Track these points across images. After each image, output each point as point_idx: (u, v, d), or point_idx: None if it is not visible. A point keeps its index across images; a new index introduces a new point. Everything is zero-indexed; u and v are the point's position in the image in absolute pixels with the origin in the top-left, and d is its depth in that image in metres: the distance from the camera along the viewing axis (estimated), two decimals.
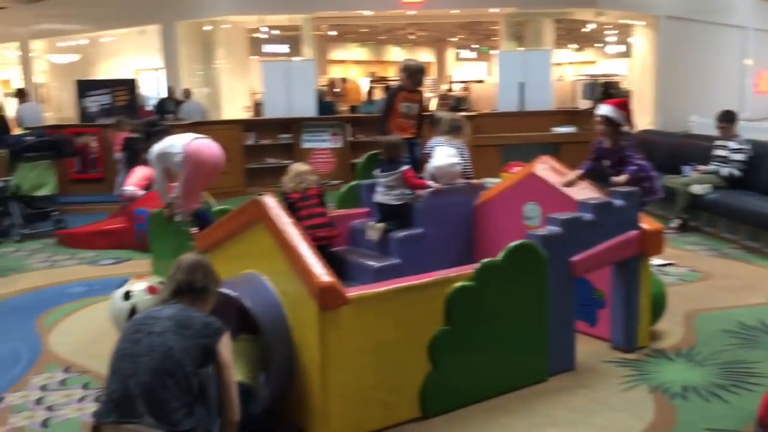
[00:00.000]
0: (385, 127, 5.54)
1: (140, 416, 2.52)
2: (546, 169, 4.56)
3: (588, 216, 3.89)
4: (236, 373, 2.96)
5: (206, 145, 4.90)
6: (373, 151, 5.46)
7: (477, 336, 3.54)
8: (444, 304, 3.42)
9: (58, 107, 18.46)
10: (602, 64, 27.82)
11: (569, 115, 11.16)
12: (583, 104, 12.20)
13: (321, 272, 3.10)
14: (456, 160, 4.89)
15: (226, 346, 2.80)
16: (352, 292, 3.22)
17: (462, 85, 21.69)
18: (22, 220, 7.82)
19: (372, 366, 3.28)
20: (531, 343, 3.72)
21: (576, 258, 3.79)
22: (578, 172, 4.57)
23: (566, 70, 25.86)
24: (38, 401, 3.76)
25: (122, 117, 10.16)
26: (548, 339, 3.76)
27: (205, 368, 2.71)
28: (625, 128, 5.16)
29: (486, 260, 3.55)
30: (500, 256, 3.57)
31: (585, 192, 4.25)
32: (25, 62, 18.59)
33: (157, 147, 4.89)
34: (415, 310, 3.37)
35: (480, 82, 21.55)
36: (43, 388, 3.92)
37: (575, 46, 26.51)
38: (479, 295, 3.49)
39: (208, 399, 2.71)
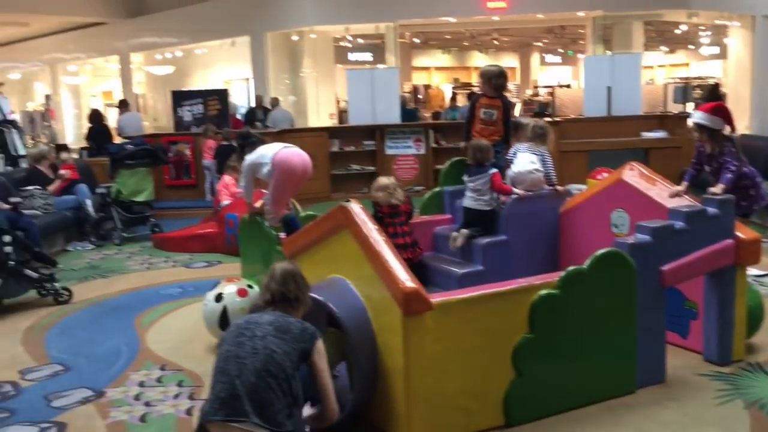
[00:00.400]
0: (469, 135, 5.49)
1: (247, 415, 2.63)
2: (635, 175, 4.45)
3: (679, 224, 3.78)
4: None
5: (294, 153, 5.01)
6: (457, 158, 5.45)
7: (562, 345, 3.49)
8: (528, 312, 3.40)
9: (154, 116, 19.35)
10: (695, 66, 26.78)
11: (659, 120, 10.83)
12: (675, 108, 11.80)
13: (405, 278, 3.14)
14: (536, 166, 4.83)
15: (320, 351, 2.91)
16: (436, 297, 3.24)
17: (547, 90, 21.37)
18: (121, 224, 8.23)
19: (455, 372, 3.29)
20: (619, 353, 3.65)
21: (667, 267, 3.69)
22: (684, 183, 4.44)
23: (656, 73, 25.06)
24: (137, 397, 3.95)
25: (209, 125, 10.56)
26: (637, 350, 3.67)
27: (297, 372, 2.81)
28: (726, 132, 4.96)
29: (572, 268, 3.51)
30: (586, 264, 3.51)
31: (677, 199, 4.12)
32: (125, 74, 19.56)
33: (250, 158, 5.05)
34: (499, 317, 3.36)
35: (566, 86, 21.18)
36: (141, 384, 4.12)
37: (666, 48, 25.63)
38: (564, 303, 3.45)
39: (300, 402, 2.80)
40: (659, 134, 10.31)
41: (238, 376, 2.69)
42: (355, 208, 3.50)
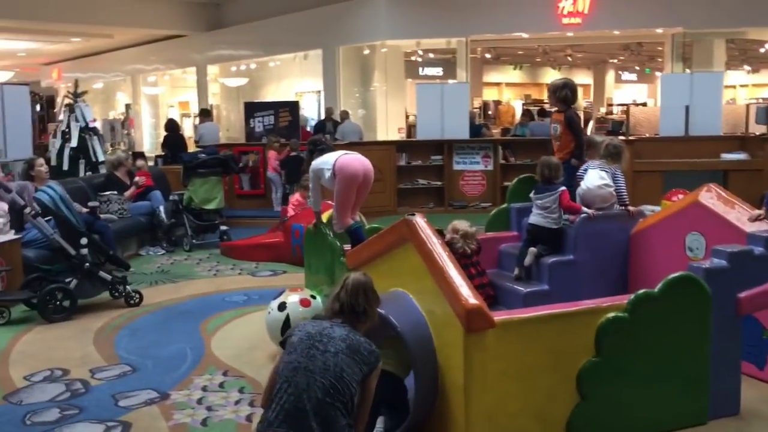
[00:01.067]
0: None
1: (311, 430, 2.63)
2: (712, 197, 4.28)
3: (759, 250, 3.61)
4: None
5: (354, 159, 5.02)
6: (525, 175, 5.37)
7: (630, 370, 3.37)
8: (595, 335, 3.29)
9: (227, 127, 19.84)
10: None
11: (740, 141, 10.40)
12: (757, 129, 11.33)
13: (468, 294, 3.09)
14: (606, 181, 4.70)
15: (377, 375, 2.90)
16: (499, 315, 3.18)
17: (621, 108, 20.88)
18: (192, 231, 8.44)
19: (517, 392, 3.22)
20: (690, 382, 3.49)
21: (744, 295, 3.52)
22: (765, 207, 4.23)
23: (738, 93, 24.16)
24: (199, 401, 4.02)
25: (271, 136, 10.70)
26: (710, 379, 3.51)
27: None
28: None
29: (642, 291, 3.39)
30: (658, 287, 3.39)
31: (756, 223, 3.94)
32: (201, 85, 20.16)
33: (314, 163, 5.14)
34: (564, 339, 3.27)
35: (642, 105, 20.66)
36: (204, 388, 4.19)
37: (749, 67, 24.71)
38: (633, 327, 3.33)
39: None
40: (739, 156, 9.90)
41: (306, 390, 2.68)
42: (420, 221, 3.47)
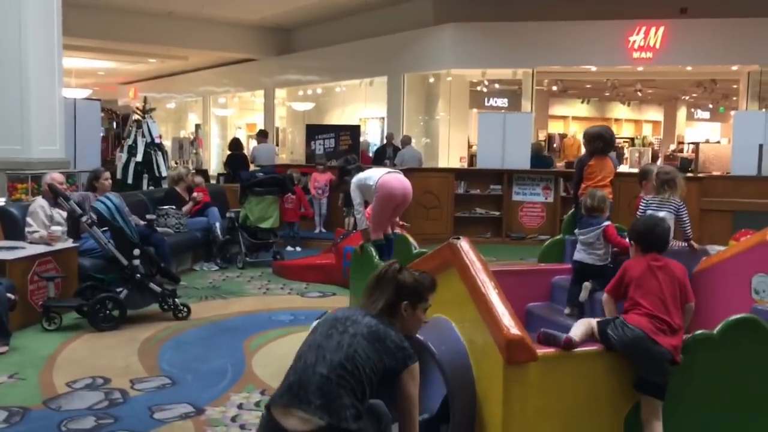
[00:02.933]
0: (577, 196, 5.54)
1: (309, 404, 2.57)
2: None
3: None
4: None
5: (395, 179, 5.24)
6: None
7: (685, 417, 3.14)
8: None
9: (291, 149, 20.14)
10: None
11: None
12: None
13: (510, 324, 2.95)
14: (664, 215, 4.48)
15: (413, 378, 2.78)
16: (542, 348, 3.02)
17: (692, 146, 20.26)
18: (246, 248, 8.50)
19: (558, 431, 3.04)
20: None
21: None
22: None
23: None
24: (233, 418, 3.96)
25: (320, 158, 10.71)
26: None
27: (379, 392, 2.71)
28: None
29: (699, 332, 3.17)
30: (717, 329, 3.17)
31: None
32: (269, 108, 20.57)
33: (356, 178, 5.31)
34: (613, 378, 3.08)
35: (716, 143, 20.01)
36: (240, 406, 4.13)
37: None
38: (688, 370, 3.11)
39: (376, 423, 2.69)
40: None
41: (313, 365, 2.64)
42: (464, 245, 3.35)
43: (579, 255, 4.52)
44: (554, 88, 19.31)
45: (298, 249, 9.58)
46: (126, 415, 3.97)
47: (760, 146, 10.10)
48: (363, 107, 18.72)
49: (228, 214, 8.68)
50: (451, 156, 15.78)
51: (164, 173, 9.82)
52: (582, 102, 23.91)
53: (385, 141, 13.95)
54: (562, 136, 22.28)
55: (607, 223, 4.43)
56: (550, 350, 3.06)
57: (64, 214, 6.24)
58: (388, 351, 2.72)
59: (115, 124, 19.78)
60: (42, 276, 5.75)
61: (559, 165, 15.32)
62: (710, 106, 24.75)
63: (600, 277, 4.39)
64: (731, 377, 3.19)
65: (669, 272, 3.32)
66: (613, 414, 3.08)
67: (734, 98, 17.94)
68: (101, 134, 11.94)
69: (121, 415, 3.97)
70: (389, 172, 5.29)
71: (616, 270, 4.36)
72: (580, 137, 22.13)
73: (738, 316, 3.20)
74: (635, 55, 13.69)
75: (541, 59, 14.25)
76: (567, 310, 4.50)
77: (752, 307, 3.38)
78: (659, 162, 17.94)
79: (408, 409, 2.79)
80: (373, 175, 5.25)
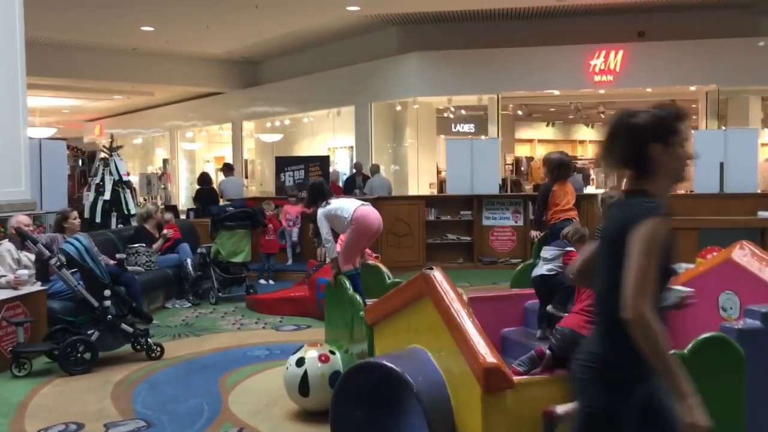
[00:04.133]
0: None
1: None
2: (746, 255, 4.11)
3: None
4: None
5: (372, 211, 5.29)
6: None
7: None
8: None
9: (260, 181, 20.09)
10: None
11: None
12: None
13: (486, 352, 2.97)
14: None
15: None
16: (520, 376, 3.05)
17: None
18: (218, 284, 8.43)
19: None
20: None
21: None
22: None
23: None
24: None
25: (291, 190, 10.66)
26: None
27: None
28: None
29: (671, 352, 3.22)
30: (687, 348, 3.23)
31: None
32: (237, 141, 20.54)
33: (325, 209, 5.28)
34: None
35: None
36: None
37: None
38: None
39: None
40: None
41: None
42: (438, 275, 3.38)
43: (536, 271, 4.62)
44: (519, 112, 19.61)
45: (272, 282, 9.53)
46: None
47: (721, 164, 10.36)
48: (331, 137, 18.80)
49: (199, 250, 8.62)
50: (420, 182, 15.89)
51: (133, 210, 9.73)
52: (547, 125, 24.30)
53: (354, 170, 14.01)
54: (529, 159, 22.57)
55: (572, 249, 4.51)
56: (527, 377, 3.09)
57: (32, 256, 6.15)
58: None
59: (80, 161, 19.58)
60: (10, 321, 5.65)
61: (528, 188, 15.53)
62: None
63: (551, 290, 4.43)
64: (702, 394, 3.23)
65: None
66: None
67: (694, 117, 18.38)
68: (67, 173, 11.76)
69: None
70: (363, 204, 5.30)
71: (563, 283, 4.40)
72: None
73: (707, 334, 3.27)
74: (596, 78, 13.99)
75: (505, 85, 14.49)
76: (539, 333, 4.55)
77: (720, 325, 3.45)
78: (624, 183, 18.22)
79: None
80: (346, 206, 5.25)
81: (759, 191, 10.61)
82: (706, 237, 8.69)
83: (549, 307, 4.44)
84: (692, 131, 14.78)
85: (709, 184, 10.38)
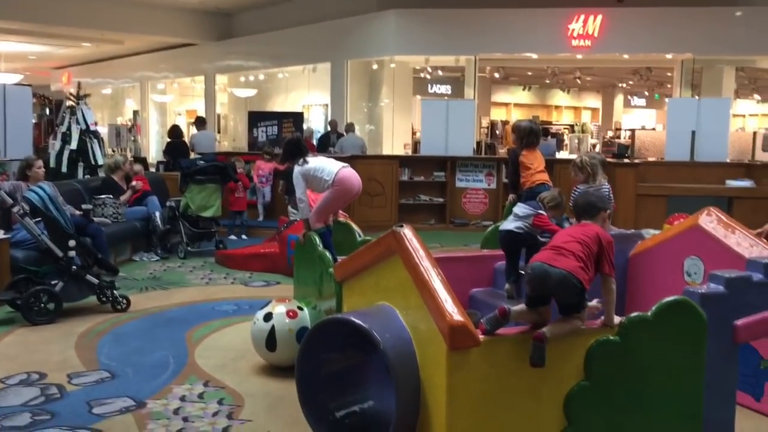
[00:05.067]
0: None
1: None
2: (712, 221, 4.15)
3: (758, 276, 3.47)
4: None
5: (354, 174, 5.18)
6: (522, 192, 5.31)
7: (620, 396, 3.23)
8: (585, 358, 3.16)
9: (233, 136, 19.83)
10: None
11: (746, 169, 10.31)
12: (764, 157, 11.22)
13: (453, 310, 2.97)
14: None
15: None
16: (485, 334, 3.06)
17: (629, 132, 20.82)
18: (187, 238, 8.34)
19: (502, 414, 3.08)
20: (683, 411, 3.35)
21: (741, 322, 3.38)
22: None
23: (748, 122, 24.07)
24: (176, 411, 3.89)
25: (266, 146, 10.55)
26: (704, 409, 3.37)
27: None
28: None
29: (634, 314, 3.26)
30: (651, 311, 3.26)
31: (756, 249, 3.81)
32: (210, 94, 20.18)
33: (303, 168, 5.12)
34: (552, 361, 3.14)
35: (651, 129, 20.58)
36: (183, 398, 4.07)
37: (759, 97, 24.63)
38: (624, 351, 3.19)
39: None
40: (745, 183, 9.81)
41: None
42: (408, 233, 3.36)
43: (506, 225, 4.56)
44: (496, 75, 19.53)
45: (245, 237, 9.47)
46: (63, 410, 3.86)
47: (693, 132, 10.44)
48: (306, 94, 18.56)
49: (168, 203, 8.51)
50: (395, 142, 15.81)
51: (100, 161, 9.54)
52: (523, 89, 24.27)
53: (329, 128, 13.88)
54: (505, 123, 22.57)
55: (542, 212, 4.49)
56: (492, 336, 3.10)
57: None
58: None
59: (47, 110, 19.14)
60: None
61: (502, 152, 15.55)
62: (646, 93, 25.47)
63: (524, 244, 4.44)
64: (663, 355, 3.29)
65: (584, 227, 3.38)
66: (556, 393, 3.14)
67: (668, 86, 18.48)
68: (33, 121, 11.49)
69: (58, 410, 3.86)
70: (345, 167, 5.18)
71: (534, 241, 4.42)
72: None
73: (671, 298, 3.30)
74: (574, 43, 13.95)
75: (483, 46, 14.37)
76: (507, 286, 4.59)
77: (684, 289, 3.49)
78: (597, 148, 18.38)
79: None
80: (327, 167, 5.12)
81: (728, 161, 10.73)
82: (674, 204, 8.81)
83: (522, 264, 4.47)
84: (666, 99, 14.89)
85: (680, 152, 10.47)
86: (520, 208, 4.62)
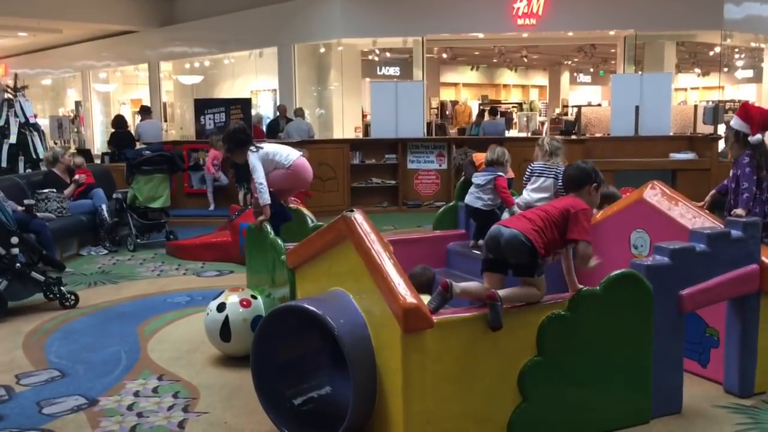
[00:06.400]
0: None
1: None
2: (656, 194, 4.25)
3: (701, 246, 3.57)
4: None
5: (308, 166, 5.30)
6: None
7: (572, 369, 3.30)
8: (536, 333, 3.22)
9: (181, 125, 19.45)
10: (729, 89, 26.29)
11: (689, 141, 10.56)
12: (705, 129, 11.51)
13: (406, 293, 2.98)
14: (543, 195, 4.81)
15: None
16: (438, 315, 3.08)
17: (575, 109, 21.12)
18: (136, 230, 8.18)
19: (457, 394, 3.12)
20: (633, 380, 3.44)
21: (686, 292, 3.48)
22: (713, 192, 4.55)
23: (689, 96, 24.65)
24: (130, 407, 3.82)
25: (214, 134, 10.38)
26: (653, 378, 3.46)
27: None
28: (754, 139, 4.72)
29: (584, 289, 3.33)
30: (600, 285, 3.33)
31: (699, 220, 3.91)
32: (154, 82, 19.73)
33: (267, 152, 5.09)
34: (505, 338, 3.18)
35: (597, 105, 20.92)
36: (136, 394, 4.00)
37: (699, 70, 25.24)
38: (575, 325, 3.26)
39: None
40: (688, 156, 10.05)
41: None
42: (359, 218, 3.35)
43: (468, 198, 4.94)
44: (444, 55, 19.58)
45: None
46: (12, 412, 3.76)
47: (636, 107, 10.64)
48: (254, 79, 18.29)
49: (115, 195, 8.31)
50: (346, 126, 15.73)
51: (42, 155, 9.26)
52: (472, 69, 24.38)
53: (277, 113, 13.72)
54: (454, 103, 22.68)
55: (501, 174, 4.71)
56: (445, 316, 3.13)
57: None
58: None
59: None
60: None
61: (452, 132, 15.63)
62: (591, 70, 25.86)
63: (487, 220, 4.65)
64: (613, 327, 3.37)
65: (559, 200, 3.67)
66: (509, 370, 3.19)
67: (613, 62, 18.78)
68: None
69: (6, 412, 3.75)
70: (302, 156, 5.27)
71: (498, 218, 4.62)
72: (471, 104, 22.67)
73: (619, 271, 3.37)
74: (519, 21, 14.05)
75: (430, 27, 14.37)
76: (471, 243, 4.89)
77: (631, 261, 3.57)
78: (546, 126, 18.63)
79: None
80: (285, 153, 5.16)
81: (671, 134, 10.97)
82: (621, 178, 8.97)
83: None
84: (611, 75, 15.13)
85: (625, 127, 10.67)
86: (478, 177, 4.85)
